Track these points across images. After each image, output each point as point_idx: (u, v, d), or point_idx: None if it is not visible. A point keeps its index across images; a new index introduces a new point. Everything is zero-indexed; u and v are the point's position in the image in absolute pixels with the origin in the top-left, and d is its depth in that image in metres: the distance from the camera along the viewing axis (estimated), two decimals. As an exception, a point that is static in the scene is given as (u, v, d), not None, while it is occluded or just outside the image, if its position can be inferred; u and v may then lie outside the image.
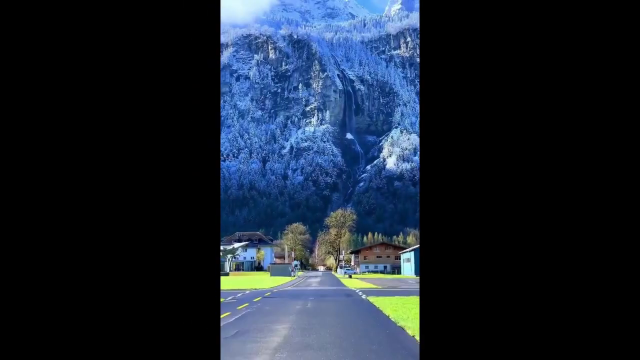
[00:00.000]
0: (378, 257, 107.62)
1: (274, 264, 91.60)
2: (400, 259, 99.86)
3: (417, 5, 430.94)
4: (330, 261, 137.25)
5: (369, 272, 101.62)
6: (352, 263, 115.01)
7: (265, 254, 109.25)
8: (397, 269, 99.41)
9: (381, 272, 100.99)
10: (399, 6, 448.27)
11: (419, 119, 3.33)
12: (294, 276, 77.24)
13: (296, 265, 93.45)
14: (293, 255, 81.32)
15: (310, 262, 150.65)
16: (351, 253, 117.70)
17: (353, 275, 77.79)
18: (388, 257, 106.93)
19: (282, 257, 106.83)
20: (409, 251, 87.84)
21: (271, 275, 76.06)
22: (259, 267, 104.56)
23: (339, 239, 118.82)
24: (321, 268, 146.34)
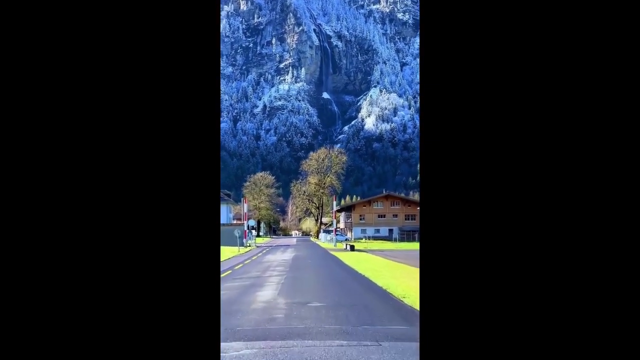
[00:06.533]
0: (380, 216, 69.34)
1: (221, 225, 55.55)
2: (416, 219, 64.09)
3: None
4: (308, 224, 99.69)
5: (366, 238, 65.30)
6: (343, 226, 77.51)
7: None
8: (410, 235, 63.24)
9: (385, 239, 64.58)
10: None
11: (419, 114, 2.78)
12: (247, 246, 41.69)
13: (252, 228, 57.46)
14: (245, 209, 45.22)
15: (282, 226, 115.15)
16: (340, 210, 78.07)
17: (351, 244, 41.18)
18: (395, 216, 68.83)
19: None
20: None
21: (208, 244, 40.71)
22: (207, 232, 68.72)
23: (321, 190, 78.35)
24: (295, 233, 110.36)
